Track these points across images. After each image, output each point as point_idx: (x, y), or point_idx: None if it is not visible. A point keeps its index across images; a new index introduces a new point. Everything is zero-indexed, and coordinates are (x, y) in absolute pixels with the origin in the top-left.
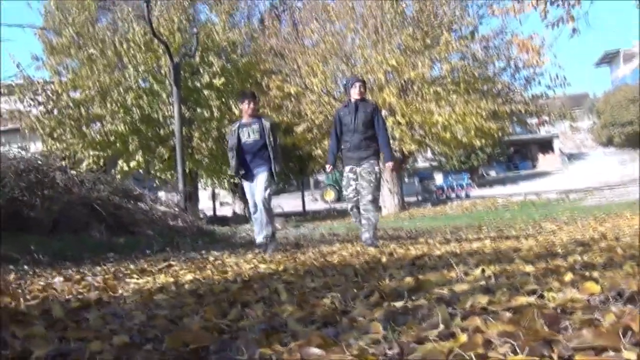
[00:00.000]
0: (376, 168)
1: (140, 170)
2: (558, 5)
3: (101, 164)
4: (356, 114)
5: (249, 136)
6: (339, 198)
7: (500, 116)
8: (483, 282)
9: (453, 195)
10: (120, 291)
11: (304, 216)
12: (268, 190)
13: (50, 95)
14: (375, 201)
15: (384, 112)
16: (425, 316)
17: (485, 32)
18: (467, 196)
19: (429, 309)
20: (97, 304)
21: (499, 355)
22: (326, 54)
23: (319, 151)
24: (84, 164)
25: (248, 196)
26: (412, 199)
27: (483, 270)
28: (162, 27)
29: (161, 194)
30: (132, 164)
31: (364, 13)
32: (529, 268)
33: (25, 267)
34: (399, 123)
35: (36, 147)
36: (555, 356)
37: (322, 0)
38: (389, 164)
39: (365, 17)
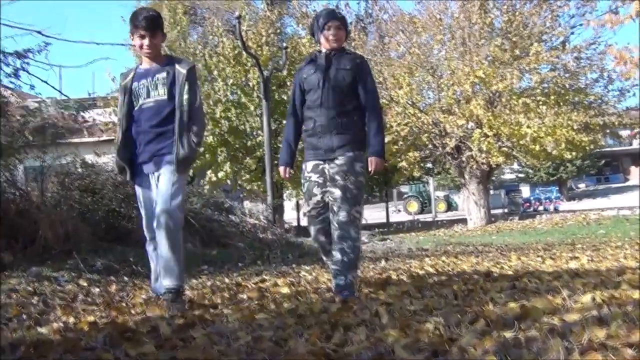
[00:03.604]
0: (357, 166)
1: (229, 181)
2: None
3: (190, 174)
4: (326, 75)
5: (146, 95)
6: (423, 210)
7: (592, 128)
8: (595, 312)
9: (541, 208)
10: (220, 307)
11: (388, 228)
12: (177, 200)
13: None
14: (354, 222)
15: (470, 125)
16: (540, 350)
17: (577, 42)
18: (556, 210)
19: (543, 341)
20: (201, 320)
21: None
22: (412, 65)
23: (404, 163)
24: None
25: (142, 211)
26: (498, 211)
27: (593, 299)
28: (251, 41)
29: (246, 203)
30: (221, 174)
31: (451, 24)
32: (636, 295)
33: (125, 278)
34: (486, 135)
35: None
36: None
37: (408, 12)
38: (373, 160)
39: (453, 29)
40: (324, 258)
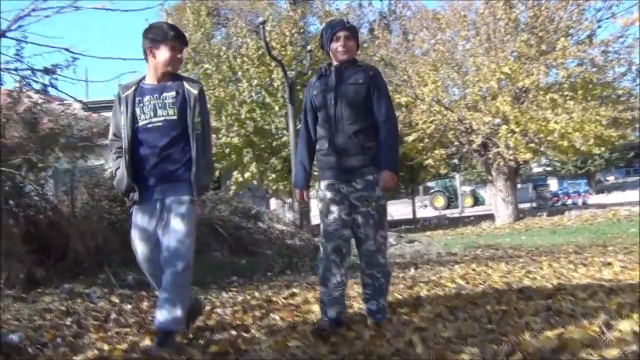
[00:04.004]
0: (378, 190)
1: (255, 181)
2: None
3: (217, 175)
4: (338, 91)
5: (153, 113)
6: (449, 205)
7: (621, 123)
8: (635, 347)
9: (569, 202)
10: (252, 330)
11: (415, 225)
12: (190, 237)
13: None
14: (380, 249)
15: (496, 121)
16: None
17: (604, 36)
18: (584, 204)
19: None
20: (233, 346)
21: None
22: (437, 62)
23: (430, 160)
24: None
25: (138, 244)
26: (526, 205)
27: (633, 331)
28: (274, 41)
29: (272, 201)
30: (247, 175)
31: (476, 20)
32: None
33: (156, 292)
34: (513, 132)
35: None
36: None
37: (432, 8)
38: (385, 175)
39: (477, 25)
40: (320, 288)
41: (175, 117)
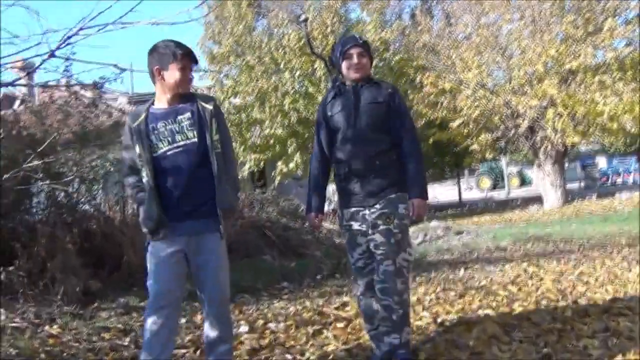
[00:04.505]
0: (401, 207)
1: (299, 171)
2: None
3: (260, 166)
4: (357, 111)
5: (171, 139)
6: (495, 186)
7: None
8: None
9: (619, 181)
10: (307, 354)
11: (461, 208)
12: (227, 277)
13: None
14: (400, 272)
15: (543, 104)
16: None
17: None
18: (635, 183)
19: None
20: None
21: None
22: (480, 47)
23: (476, 145)
24: (246, 167)
25: (155, 286)
26: (574, 185)
27: None
28: (316, 31)
29: None
30: (291, 165)
31: (520, 3)
32: None
33: None
34: (560, 115)
35: None
36: None
37: None
38: (416, 203)
39: (522, 7)
40: (365, 325)
41: (195, 140)
